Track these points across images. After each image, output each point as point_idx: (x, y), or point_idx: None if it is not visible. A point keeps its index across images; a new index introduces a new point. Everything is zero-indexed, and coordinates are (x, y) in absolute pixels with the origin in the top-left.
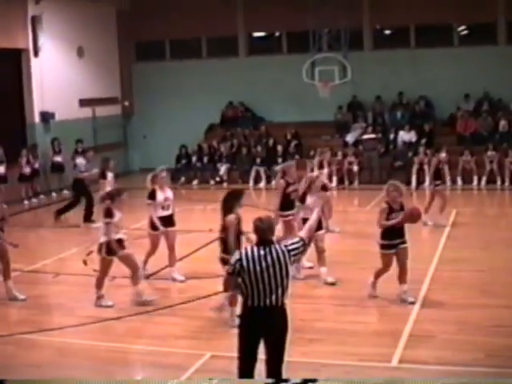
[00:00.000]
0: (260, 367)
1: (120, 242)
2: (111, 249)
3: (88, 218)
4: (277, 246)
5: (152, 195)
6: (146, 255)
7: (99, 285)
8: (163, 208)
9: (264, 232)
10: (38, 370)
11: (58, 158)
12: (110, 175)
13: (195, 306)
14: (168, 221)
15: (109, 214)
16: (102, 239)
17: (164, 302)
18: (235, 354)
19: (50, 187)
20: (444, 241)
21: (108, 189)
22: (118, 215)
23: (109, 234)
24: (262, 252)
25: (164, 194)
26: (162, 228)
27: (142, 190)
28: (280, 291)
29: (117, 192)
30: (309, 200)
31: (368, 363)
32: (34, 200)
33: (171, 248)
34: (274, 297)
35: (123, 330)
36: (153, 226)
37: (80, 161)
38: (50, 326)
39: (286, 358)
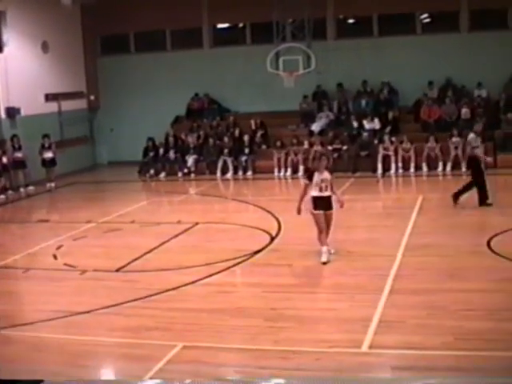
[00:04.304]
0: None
1: None
2: None
3: (483, 201)
4: None
5: None
6: None
7: None
8: None
9: None
10: (12, 366)
11: (19, 154)
12: (318, 176)
13: (165, 298)
14: None
15: None
16: None
17: (134, 294)
18: (207, 344)
19: (18, 183)
20: (411, 227)
21: (313, 194)
22: None
23: None
24: None
25: None
26: None
27: (110, 184)
28: None
29: None
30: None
31: (338, 349)
32: (2, 196)
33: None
34: None
35: (95, 323)
36: None
37: (472, 136)
38: (22, 321)
39: (257, 347)
